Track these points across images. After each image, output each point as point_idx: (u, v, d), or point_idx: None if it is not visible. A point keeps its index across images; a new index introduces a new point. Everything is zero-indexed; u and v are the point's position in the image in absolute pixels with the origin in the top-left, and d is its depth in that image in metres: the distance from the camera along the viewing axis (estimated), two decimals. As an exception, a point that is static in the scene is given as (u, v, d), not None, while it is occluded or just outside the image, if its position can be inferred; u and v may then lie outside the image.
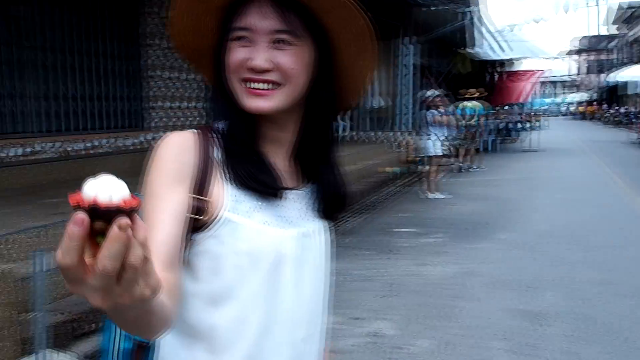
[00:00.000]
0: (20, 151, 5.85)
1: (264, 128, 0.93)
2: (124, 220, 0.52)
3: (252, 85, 0.88)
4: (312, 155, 0.98)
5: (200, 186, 0.87)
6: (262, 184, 0.91)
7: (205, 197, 0.87)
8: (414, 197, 8.85)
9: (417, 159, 11.90)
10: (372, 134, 12.46)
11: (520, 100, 17.14)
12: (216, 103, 0.97)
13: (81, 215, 0.51)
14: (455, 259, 5.29)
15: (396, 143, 12.25)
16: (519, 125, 20.73)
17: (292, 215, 0.95)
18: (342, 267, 4.85)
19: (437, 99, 8.77)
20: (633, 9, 35.65)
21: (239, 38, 0.88)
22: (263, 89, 0.88)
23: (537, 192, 9.36)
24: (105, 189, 0.52)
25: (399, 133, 12.41)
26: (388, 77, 13.03)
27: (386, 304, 4.06)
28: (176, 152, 0.87)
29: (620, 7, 37.94)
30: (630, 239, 6.25)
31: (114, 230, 0.52)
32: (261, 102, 0.89)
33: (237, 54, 0.88)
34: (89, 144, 6.69)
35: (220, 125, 0.94)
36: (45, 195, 4.93)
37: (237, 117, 0.92)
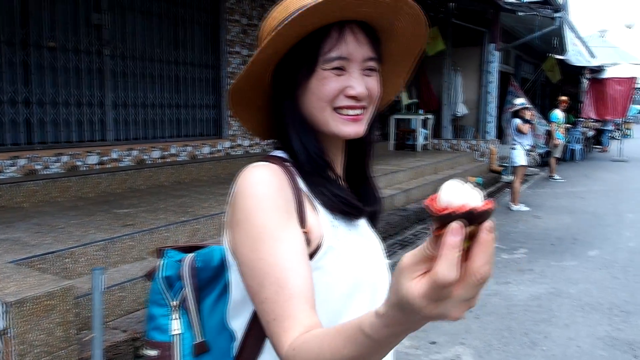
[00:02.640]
0: (96, 159, 5.89)
1: (329, 152, 0.95)
2: (490, 224, 0.50)
3: (350, 112, 0.89)
4: (359, 173, 1.01)
5: (301, 219, 0.84)
6: (353, 207, 0.92)
7: (305, 228, 0.84)
8: (498, 208, 8.67)
9: (501, 168, 11.64)
10: (455, 142, 12.29)
11: (623, 113, 16.17)
12: (292, 131, 0.92)
13: (458, 224, 0.50)
14: (541, 277, 5.17)
15: (479, 152, 12.02)
16: (609, 134, 19.64)
17: (366, 235, 0.98)
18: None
19: (524, 110, 8.54)
20: None
21: (335, 67, 0.87)
22: (358, 115, 0.90)
23: (626, 205, 8.89)
24: (463, 193, 0.51)
25: (482, 142, 12.15)
26: (471, 84, 12.79)
27: (465, 327, 3.93)
28: (276, 187, 0.83)
29: None
30: None
31: (486, 234, 0.50)
32: (356, 127, 0.90)
33: (334, 83, 0.87)
34: (166, 152, 6.71)
35: (278, 153, 0.93)
36: (118, 205, 4.89)
37: (317, 143, 0.91)
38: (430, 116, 12.11)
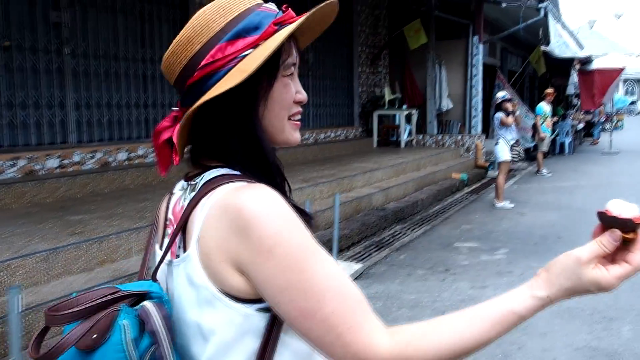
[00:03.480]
0: (56, 163, 5.59)
1: None
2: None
3: (297, 118, 0.89)
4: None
5: None
6: (311, 218, 0.88)
7: None
8: (482, 205, 8.46)
9: (487, 164, 11.43)
10: (440, 137, 12.07)
11: (602, 102, 16.04)
12: (255, 146, 0.85)
13: (618, 233, 0.75)
14: (520, 280, 4.85)
15: (465, 147, 11.81)
16: (599, 126, 19.51)
17: None
18: (391, 290, 4.62)
19: (506, 102, 8.33)
20: None
21: (290, 74, 0.87)
22: (300, 120, 0.91)
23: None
24: (630, 207, 0.75)
25: (467, 137, 11.94)
26: (456, 78, 12.56)
27: None
28: (287, 203, 0.78)
29: None
30: None
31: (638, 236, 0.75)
32: (299, 133, 0.91)
33: (291, 89, 0.87)
34: (132, 154, 6.44)
35: (228, 171, 0.85)
36: (74, 211, 4.60)
37: (274, 155, 0.88)
38: (414, 111, 11.89)
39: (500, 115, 8.29)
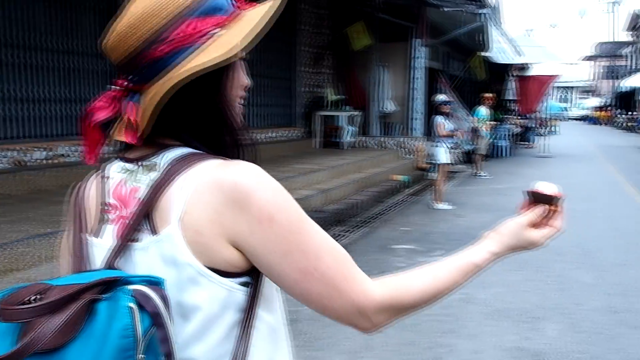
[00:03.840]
0: None
1: None
2: (560, 203, 1.00)
3: (242, 102, 0.91)
4: None
5: None
6: None
7: None
8: (420, 207, 8.49)
9: (428, 166, 11.55)
10: (381, 139, 12.10)
11: (537, 108, 16.67)
12: (223, 126, 0.87)
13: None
14: (454, 282, 4.94)
15: (406, 149, 11.89)
16: (534, 131, 20.24)
17: None
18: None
19: (444, 106, 8.40)
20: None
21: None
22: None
23: (548, 203, 8.94)
24: (552, 186, 0.99)
25: (409, 139, 12.03)
26: (399, 80, 12.65)
27: (366, 343, 3.58)
28: None
29: (635, 14, 38.43)
30: (643, 257, 5.93)
31: (560, 208, 1.00)
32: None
33: (244, 72, 0.90)
34: (51, 153, 6.01)
35: (188, 150, 0.84)
36: None
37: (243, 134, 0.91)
38: (356, 113, 11.86)
39: (439, 119, 8.36)
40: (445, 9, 11.63)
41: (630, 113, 35.22)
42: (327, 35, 12.30)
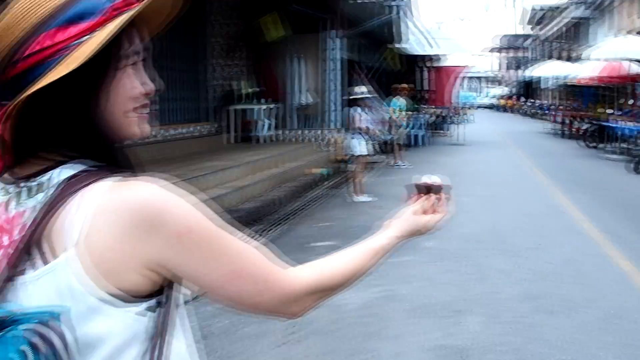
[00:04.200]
0: None
1: None
2: (443, 191, 1.10)
3: (145, 110, 0.85)
4: None
5: None
6: None
7: None
8: (341, 201, 8.34)
9: (347, 158, 11.46)
10: (300, 132, 11.86)
11: (451, 98, 17.21)
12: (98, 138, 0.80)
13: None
14: (376, 278, 4.70)
15: (325, 142, 11.72)
16: (449, 120, 20.90)
17: None
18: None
19: (362, 101, 8.31)
20: (543, 11, 38.98)
21: (133, 63, 0.82)
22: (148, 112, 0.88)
23: (462, 189, 9.02)
24: (435, 177, 1.10)
25: (327, 131, 11.88)
26: (316, 72, 12.45)
27: (284, 354, 3.33)
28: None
29: (533, 9, 41.69)
30: (552, 237, 6.20)
31: (443, 196, 1.10)
32: (148, 125, 0.87)
33: (135, 80, 0.82)
34: None
35: (80, 166, 0.78)
36: None
37: (121, 148, 0.85)
38: (272, 105, 11.53)
39: (355, 111, 8.25)
40: (359, 1, 11.56)
41: (533, 101, 37.48)
42: (239, 26, 11.84)
